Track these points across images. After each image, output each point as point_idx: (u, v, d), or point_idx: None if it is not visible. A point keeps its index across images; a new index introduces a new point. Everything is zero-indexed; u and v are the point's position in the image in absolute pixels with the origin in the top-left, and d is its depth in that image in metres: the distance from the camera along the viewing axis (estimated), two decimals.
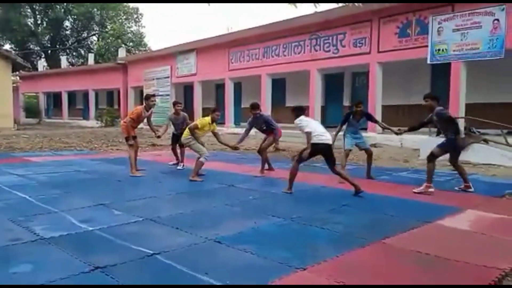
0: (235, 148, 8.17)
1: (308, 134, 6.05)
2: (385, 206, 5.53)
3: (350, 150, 7.73)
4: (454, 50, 11.39)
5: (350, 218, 4.85)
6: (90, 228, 4.28)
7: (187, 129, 7.78)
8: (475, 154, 9.70)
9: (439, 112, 6.43)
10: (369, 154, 7.75)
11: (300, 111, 6.49)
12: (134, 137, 8.09)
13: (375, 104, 13.45)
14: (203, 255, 3.56)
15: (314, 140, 6.02)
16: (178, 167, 8.97)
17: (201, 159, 7.52)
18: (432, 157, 6.42)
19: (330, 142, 6.20)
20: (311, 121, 6.46)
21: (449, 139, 6.38)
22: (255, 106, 8.19)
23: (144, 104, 8.13)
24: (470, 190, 6.44)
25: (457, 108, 11.44)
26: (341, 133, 7.72)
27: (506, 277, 3.15)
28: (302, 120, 6.28)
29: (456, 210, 5.19)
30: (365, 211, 5.24)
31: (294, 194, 6.25)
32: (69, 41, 45.20)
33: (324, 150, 6.13)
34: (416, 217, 4.83)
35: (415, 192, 6.27)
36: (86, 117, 29.64)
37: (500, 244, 4.03)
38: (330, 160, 6.24)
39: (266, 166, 8.40)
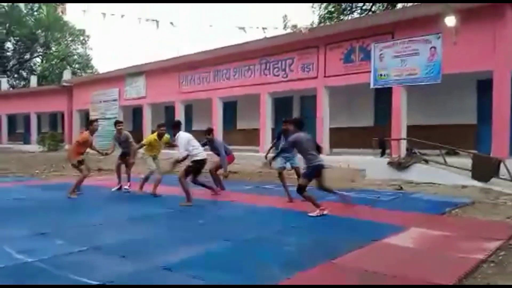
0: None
1: (186, 155, 7.12)
2: (333, 226, 5.63)
3: (283, 168, 7.74)
4: (394, 75, 12.00)
5: (299, 239, 4.89)
6: (29, 260, 4.02)
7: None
8: (417, 174, 10.18)
9: (289, 139, 6.55)
10: (298, 173, 7.56)
11: (177, 128, 7.44)
12: (80, 162, 8.24)
13: (323, 127, 13.81)
14: (151, 284, 3.44)
15: (199, 157, 7.14)
16: (125, 187, 8.97)
17: (148, 174, 8.43)
18: (301, 190, 6.27)
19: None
20: (189, 139, 7.23)
21: (308, 167, 6.34)
22: (208, 131, 8.71)
23: (89, 128, 8.35)
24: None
25: (399, 130, 12.00)
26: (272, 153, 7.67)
27: None
28: (180, 138, 7.16)
29: (401, 229, 5.37)
30: (313, 231, 5.31)
31: (243, 216, 6.24)
32: (10, 63, 43.17)
33: (203, 165, 7.32)
34: (363, 236, 4.95)
35: (311, 216, 6.08)
36: (27, 141, 28.20)
37: (443, 259, 4.19)
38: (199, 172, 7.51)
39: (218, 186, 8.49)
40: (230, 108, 18.35)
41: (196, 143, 7.27)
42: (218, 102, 17.07)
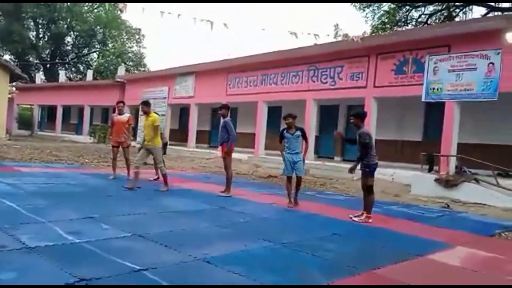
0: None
1: None
2: (376, 237, 5.50)
3: (289, 176, 7.51)
4: (448, 90, 11.59)
5: (340, 247, 4.82)
6: (77, 240, 4.20)
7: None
8: (465, 193, 9.77)
9: (361, 133, 6.57)
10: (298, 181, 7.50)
11: None
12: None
13: None
14: (191, 274, 3.51)
15: None
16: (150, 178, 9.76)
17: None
18: (371, 189, 6.39)
19: None
20: None
21: (372, 164, 6.40)
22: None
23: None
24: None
25: (449, 146, 11.55)
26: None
27: None
28: None
29: (446, 246, 5.18)
30: (355, 240, 5.22)
31: (285, 220, 6.22)
32: (69, 57, 45.46)
33: None
34: (406, 250, 4.81)
35: (353, 219, 6.29)
36: (79, 132, 29.49)
37: (489, 280, 4.01)
38: None
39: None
40: (275, 113, 18.37)
41: None
42: (263, 106, 17.15)
